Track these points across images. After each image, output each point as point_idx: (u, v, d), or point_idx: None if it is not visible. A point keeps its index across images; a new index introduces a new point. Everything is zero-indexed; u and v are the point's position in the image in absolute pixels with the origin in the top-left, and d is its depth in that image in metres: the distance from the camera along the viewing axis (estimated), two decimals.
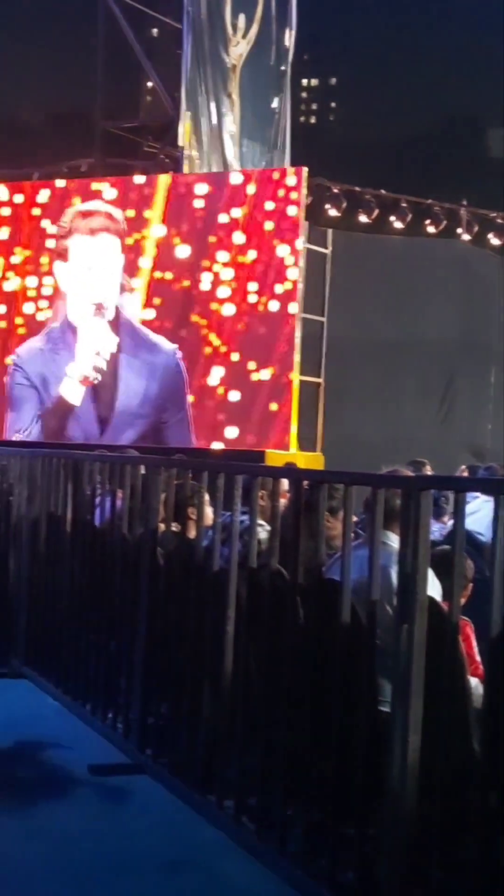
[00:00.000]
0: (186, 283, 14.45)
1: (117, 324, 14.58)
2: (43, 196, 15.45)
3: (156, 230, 14.61)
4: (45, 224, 15.28)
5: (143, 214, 14.68)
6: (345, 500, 4.57)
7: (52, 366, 14.85)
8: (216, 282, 14.27)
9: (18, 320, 15.45)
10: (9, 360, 15.37)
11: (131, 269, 14.69)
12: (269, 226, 13.99)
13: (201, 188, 14.47)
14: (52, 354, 14.91)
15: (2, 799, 5.48)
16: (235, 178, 14.63)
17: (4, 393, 15.38)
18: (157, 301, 14.63)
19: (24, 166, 18.37)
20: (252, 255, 14.06)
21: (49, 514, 7.85)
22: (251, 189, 14.20)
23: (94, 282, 14.65)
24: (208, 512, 5.84)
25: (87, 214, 14.78)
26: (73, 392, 14.68)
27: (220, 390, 14.22)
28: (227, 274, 14.21)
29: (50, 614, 7.66)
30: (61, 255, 14.89)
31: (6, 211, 15.66)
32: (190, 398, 14.38)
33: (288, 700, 4.72)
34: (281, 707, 4.75)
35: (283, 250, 13.89)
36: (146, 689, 6.13)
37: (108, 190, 14.99)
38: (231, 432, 14.15)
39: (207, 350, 14.31)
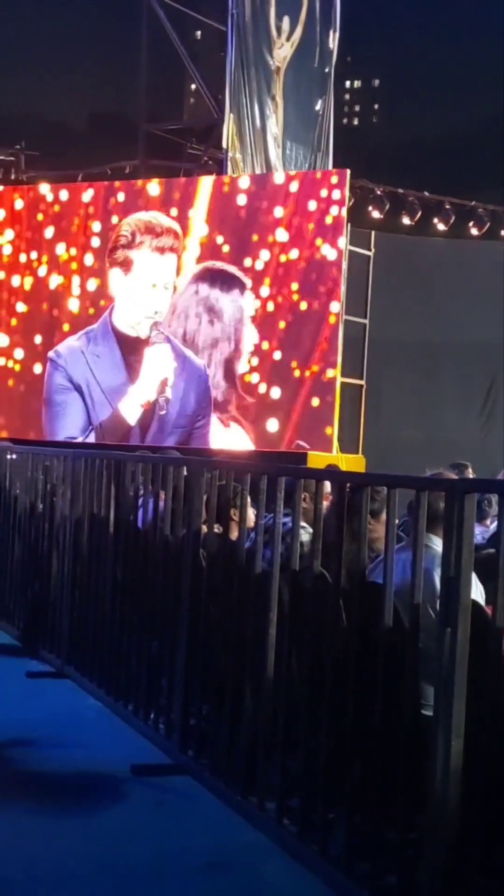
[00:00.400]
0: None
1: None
2: (87, 195, 15.51)
3: (199, 230, 14.64)
4: (92, 224, 15.34)
5: (187, 214, 14.71)
6: (388, 503, 4.56)
7: (94, 370, 14.89)
8: (258, 281, 14.28)
9: (56, 313, 15.54)
10: (50, 354, 15.38)
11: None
12: (311, 227, 13.97)
13: (244, 189, 14.48)
14: (94, 357, 14.94)
15: (44, 799, 5.51)
16: (279, 180, 14.63)
17: (43, 384, 15.40)
18: None
19: (69, 168, 18.45)
20: (294, 255, 14.05)
21: (92, 515, 7.88)
22: (294, 191, 14.19)
23: (156, 299, 14.73)
24: (250, 514, 5.85)
25: (156, 233, 14.80)
26: (132, 412, 14.72)
27: (262, 388, 14.22)
28: (270, 273, 14.21)
29: (92, 614, 7.69)
30: (122, 263, 14.90)
31: (51, 209, 15.73)
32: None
33: (330, 702, 4.72)
34: (323, 709, 4.75)
35: (325, 252, 13.87)
36: (188, 690, 6.14)
37: (153, 188, 15.03)
38: (272, 429, 14.14)
39: (250, 348, 14.36)
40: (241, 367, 14.33)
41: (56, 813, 5.32)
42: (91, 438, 14.92)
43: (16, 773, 5.89)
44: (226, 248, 14.50)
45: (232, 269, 14.45)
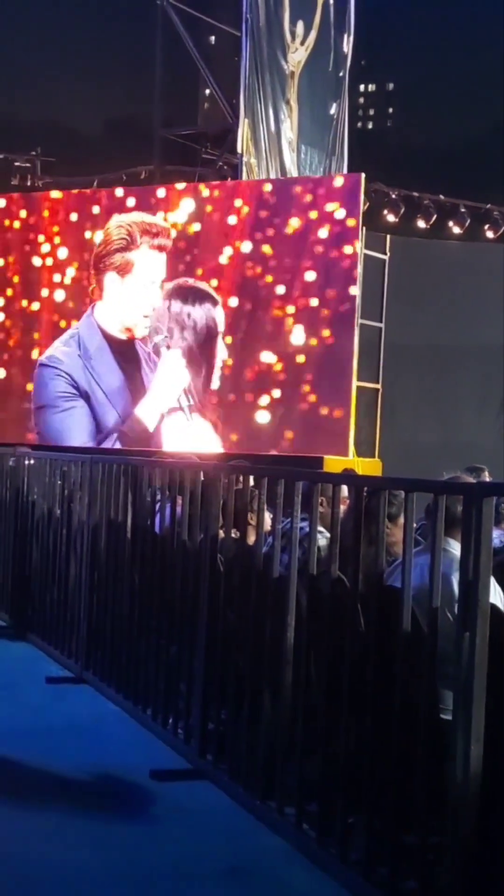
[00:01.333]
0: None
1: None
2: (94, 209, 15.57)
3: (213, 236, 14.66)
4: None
5: (198, 222, 14.74)
6: (405, 507, 4.55)
7: (95, 375, 14.90)
8: (273, 286, 14.29)
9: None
10: (44, 360, 15.37)
11: (191, 273, 14.75)
12: (326, 231, 13.98)
13: (259, 194, 14.48)
14: (88, 362, 14.96)
15: (63, 804, 5.52)
16: (293, 184, 14.64)
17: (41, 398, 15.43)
18: None
19: (84, 174, 18.50)
20: (310, 260, 14.05)
21: (109, 521, 7.90)
22: (309, 195, 14.19)
23: (152, 297, 14.78)
24: (267, 518, 5.85)
25: (153, 233, 14.86)
26: (152, 419, 14.73)
27: (278, 393, 14.24)
28: (285, 279, 14.22)
29: (111, 620, 7.71)
30: (119, 267, 14.92)
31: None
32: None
33: (349, 707, 4.71)
34: (342, 714, 4.75)
35: (340, 256, 13.87)
36: (206, 695, 6.14)
37: (161, 193, 15.08)
38: (289, 436, 14.15)
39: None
40: (214, 382, 14.43)
41: (76, 818, 5.32)
42: (116, 443, 14.87)
43: (36, 779, 5.89)
44: (241, 255, 14.50)
45: (202, 284, 14.54)
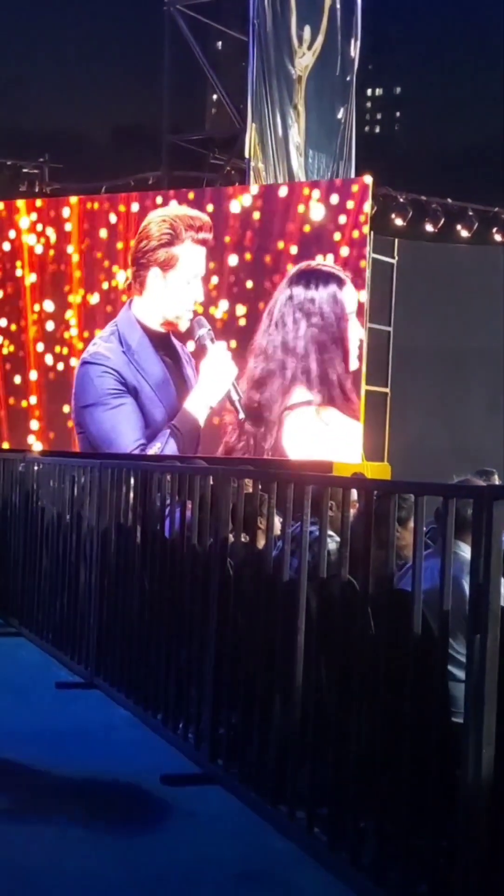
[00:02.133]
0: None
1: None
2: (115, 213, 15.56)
3: (223, 241, 14.66)
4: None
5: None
6: (415, 511, 4.55)
7: (139, 371, 14.81)
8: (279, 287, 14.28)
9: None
10: (89, 357, 15.29)
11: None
12: (334, 236, 13.97)
13: (266, 199, 14.49)
14: (133, 357, 14.87)
15: (73, 810, 5.52)
16: (301, 189, 14.64)
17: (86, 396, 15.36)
18: None
19: (93, 180, 18.53)
20: (317, 263, 14.04)
21: (119, 526, 7.91)
22: (316, 199, 14.19)
23: (196, 291, 14.72)
24: (277, 522, 5.85)
25: (196, 227, 14.79)
26: (201, 413, 14.67)
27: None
28: (296, 283, 14.20)
29: (120, 625, 7.71)
30: (164, 262, 14.85)
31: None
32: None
33: (359, 711, 4.71)
34: (352, 718, 4.74)
35: (348, 260, 13.86)
36: (217, 700, 6.14)
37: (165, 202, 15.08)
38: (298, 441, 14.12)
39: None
40: (352, 363, 14.11)
41: (87, 824, 5.33)
42: (171, 445, 14.82)
43: (46, 785, 5.90)
44: (248, 260, 14.49)
45: (327, 266, 14.32)
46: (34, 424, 15.81)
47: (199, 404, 14.61)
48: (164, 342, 14.74)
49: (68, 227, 15.63)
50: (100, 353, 15.08)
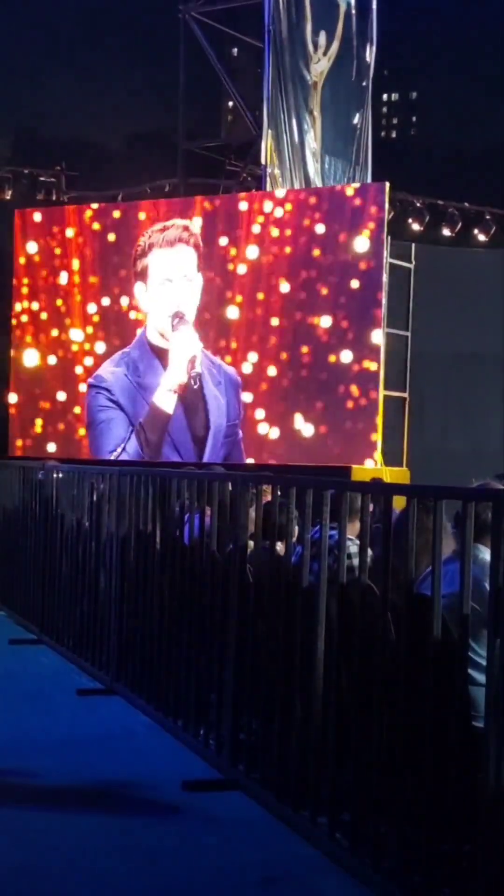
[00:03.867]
0: (261, 295, 14.53)
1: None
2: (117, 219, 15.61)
3: (240, 247, 14.67)
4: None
5: (227, 233, 14.75)
6: (434, 515, 4.54)
7: (141, 391, 14.88)
8: (298, 293, 14.29)
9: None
10: (90, 381, 15.39)
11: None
12: (351, 241, 13.98)
13: (283, 205, 14.50)
14: (135, 378, 14.94)
15: (95, 816, 5.53)
16: (317, 194, 14.66)
17: (86, 417, 15.44)
18: None
19: (110, 188, 18.57)
20: (335, 270, 14.06)
21: (138, 532, 7.92)
22: (334, 205, 14.20)
23: (173, 293, 14.71)
24: (297, 528, 5.85)
25: (164, 229, 14.87)
26: (167, 401, 14.70)
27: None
28: (309, 286, 14.22)
29: (141, 631, 7.72)
30: (140, 274, 14.97)
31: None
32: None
33: (380, 716, 4.70)
34: (373, 723, 4.74)
35: (366, 265, 13.87)
36: (237, 705, 6.14)
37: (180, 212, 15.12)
38: (316, 445, 14.13)
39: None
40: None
41: (108, 830, 5.33)
42: (132, 442, 14.87)
43: (67, 791, 5.91)
44: (266, 265, 14.51)
45: None
46: None
47: (163, 392, 14.67)
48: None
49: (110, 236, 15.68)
50: (99, 375, 15.30)
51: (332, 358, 14.07)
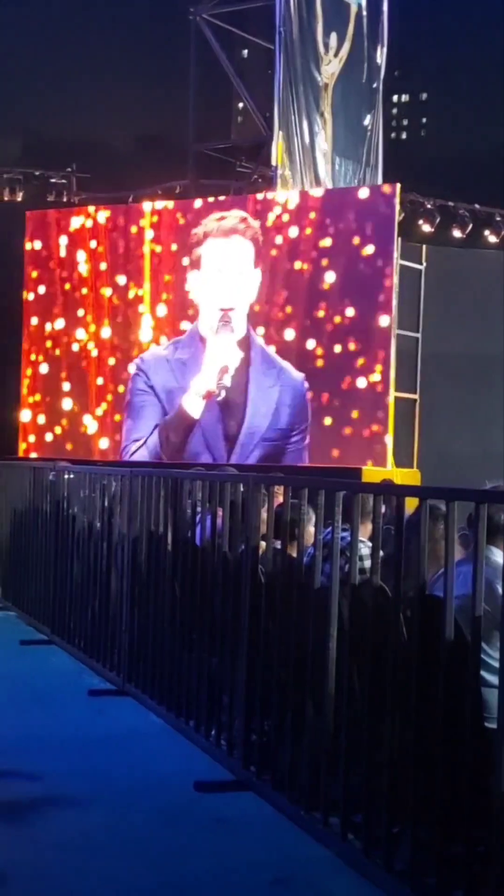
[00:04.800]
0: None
1: (248, 342, 14.46)
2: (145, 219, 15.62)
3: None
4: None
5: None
6: (447, 516, 4.54)
7: (177, 375, 14.75)
8: (309, 297, 14.27)
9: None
10: (131, 366, 15.32)
11: None
12: (362, 243, 13.97)
13: (292, 206, 14.50)
14: (178, 364, 14.81)
15: (106, 816, 5.53)
16: (328, 196, 14.65)
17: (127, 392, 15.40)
18: None
19: (121, 190, 18.58)
20: (346, 271, 14.04)
21: (149, 533, 7.92)
22: (344, 206, 14.20)
23: (224, 285, 14.52)
24: (310, 529, 5.85)
25: (221, 218, 14.73)
26: (194, 405, 14.59)
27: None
28: (319, 288, 14.20)
29: (152, 632, 7.73)
30: (194, 263, 14.85)
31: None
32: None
33: (392, 717, 4.70)
34: (385, 724, 4.74)
35: (376, 267, 13.86)
36: (249, 706, 6.14)
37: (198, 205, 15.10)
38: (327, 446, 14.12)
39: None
40: None
41: (120, 830, 5.34)
42: (154, 438, 14.83)
43: (79, 792, 5.91)
44: (277, 267, 14.49)
45: None
46: None
47: (192, 396, 14.58)
48: None
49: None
50: (143, 357, 15.20)
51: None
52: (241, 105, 20.15)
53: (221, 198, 15.57)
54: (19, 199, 17.87)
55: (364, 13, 16.65)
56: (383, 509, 5.27)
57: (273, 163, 15.65)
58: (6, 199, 17.83)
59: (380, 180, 16.61)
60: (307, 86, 15.81)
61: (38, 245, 16.37)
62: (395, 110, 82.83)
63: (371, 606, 4.95)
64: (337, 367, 14.05)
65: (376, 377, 13.81)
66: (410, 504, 5.08)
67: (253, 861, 4.98)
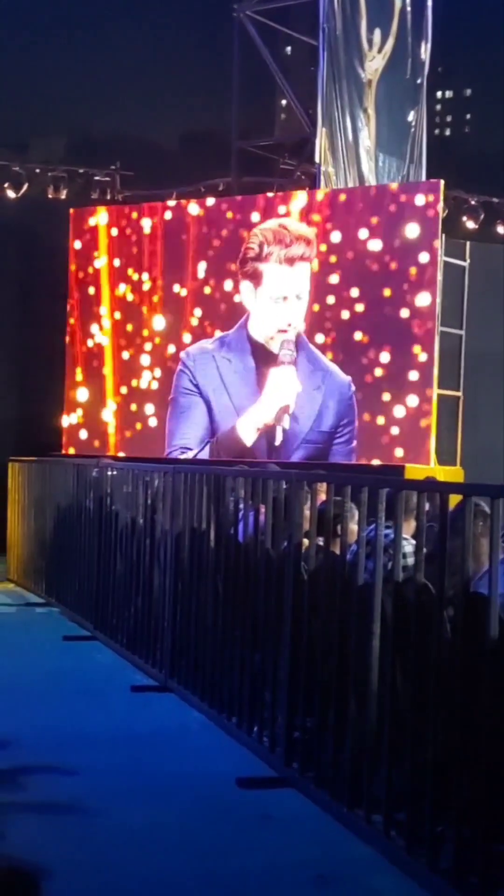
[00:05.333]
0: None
1: (297, 343, 14.41)
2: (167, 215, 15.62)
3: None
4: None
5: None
6: (491, 514, 4.52)
7: (224, 375, 14.67)
8: (352, 293, 14.22)
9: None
10: (181, 354, 15.27)
11: None
12: (406, 240, 13.92)
13: (337, 203, 14.47)
14: (225, 362, 14.71)
15: (149, 812, 5.55)
16: (372, 193, 14.61)
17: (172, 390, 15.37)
18: None
19: (164, 187, 18.61)
20: (390, 268, 14.00)
21: (192, 530, 7.94)
22: (388, 203, 14.15)
23: (287, 312, 14.45)
24: (353, 527, 5.84)
25: (285, 243, 14.43)
26: (249, 434, 14.43)
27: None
28: (364, 286, 14.15)
29: (195, 629, 7.74)
30: (252, 276, 14.69)
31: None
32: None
33: (436, 715, 4.69)
34: (429, 721, 4.72)
35: (421, 264, 13.81)
36: (291, 703, 6.14)
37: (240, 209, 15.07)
38: (379, 449, 14.06)
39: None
40: None
41: (163, 826, 5.35)
42: (205, 453, 14.79)
43: (122, 787, 5.93)
44: (332, 259, 14.43)
45: None
46: None
47: (248, 425, 14.47)
48: (269, 359, 14.46)
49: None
50: (190, 351, 15.12)
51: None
52: (284, 102, 20.09)
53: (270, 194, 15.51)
54: (63, 196, 17.93)
55: (408, 9, 16.56)
56: (427, 507, 5.26)
57: (316, 160, 15.62)
58: (50, 196, 17.89)
59: (424, 177, 16.53)
60: (350, 82, 15.76)
61: (77, 245, 16.40)
62: (438, 107, 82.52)
63: (414, 604, 4.93)
64: (384, 366, 13.99)
65: (419, 375, 13.75)
66: (454, 501, 5.06)
67: (296, 858, 4.98)
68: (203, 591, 7.63)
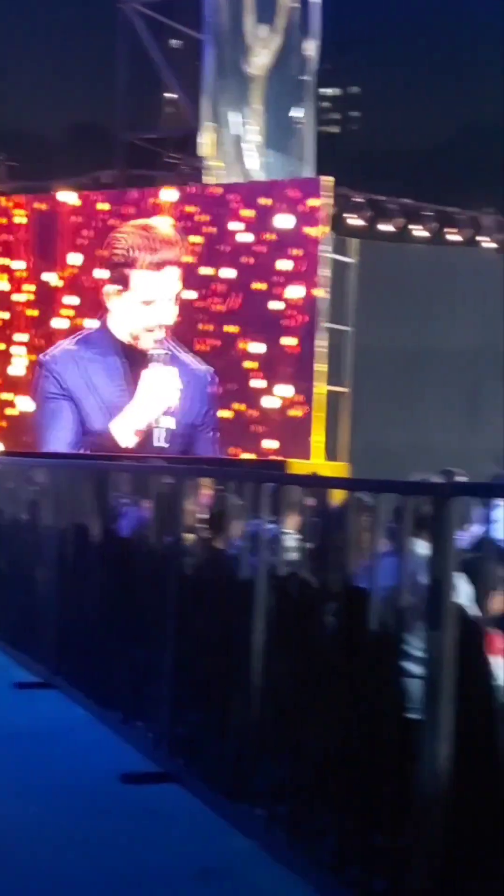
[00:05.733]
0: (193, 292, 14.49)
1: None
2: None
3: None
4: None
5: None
6: (374, 508, 4.56)
7: (91, 376, 14.60)
8: (236, 291, 14.25)
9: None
10: (42, 357, 15.16)
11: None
12: (281, 233, 13.97)
13: (220, 198, 14.47)
14: (89, 363, 14.66)
15: (33, 808, 5.50)
16: (257, 188, 14.64)
17: (36, 392, 15.23)
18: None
19: (49, 178, 18.46)
20: (275, 265, 14.05)
21: (77, 525, 7.88)
22: (274, 199, 14.19)
23: (155, 314, 14.43)
24: (236, 522, 5.85)
25: (152, 248, 14.53)
26: (126, 436, 14.42)
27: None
28: (248, 282, 14.19)
29: (79, 624, 7.69)
30: (118, 280, 14.61)
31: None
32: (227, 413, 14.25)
33: (317, 708, 4.72)
34: (310, 715, 4.75)
35: (295, 257, 13.87)
36: (175, 698, 6.14)
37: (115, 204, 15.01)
38: (253, 440, 14.11)
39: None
40: None
41: (46, 822, 5.30)
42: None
43: (5, 784, 5.87)
44: (204, 261, 14.44)
45: None
46: None
47: (124, 427, 14.42)
48: (135, 356, 14.47)
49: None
50: (53, 354, 15.01)
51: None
52: (170, 95, 20.05)
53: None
54: None
55: (296, 6, 16.65)
56: (311, 502, 5.29)
57: (201, 154, 15.60)
58: None
59: (311, 173, 16.63)
60: (237, 77, 15.79)
61: None
62: (326, 103, 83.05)
63: (296, 598, 4.96)
64: (256, 357, 14.03)
65: (293, 367, 13.84)
66: (338, 497, 5.10)
67: (178, 853, 4.98)
68: (87, 587, 7.58)
